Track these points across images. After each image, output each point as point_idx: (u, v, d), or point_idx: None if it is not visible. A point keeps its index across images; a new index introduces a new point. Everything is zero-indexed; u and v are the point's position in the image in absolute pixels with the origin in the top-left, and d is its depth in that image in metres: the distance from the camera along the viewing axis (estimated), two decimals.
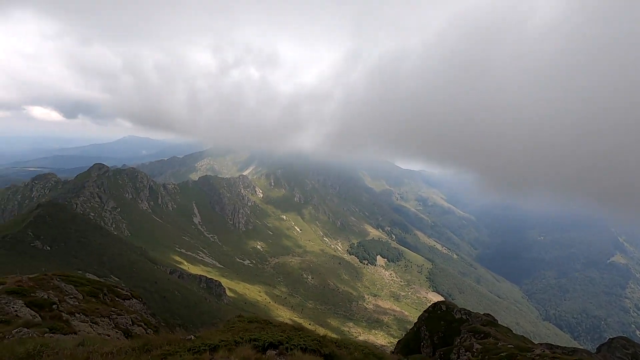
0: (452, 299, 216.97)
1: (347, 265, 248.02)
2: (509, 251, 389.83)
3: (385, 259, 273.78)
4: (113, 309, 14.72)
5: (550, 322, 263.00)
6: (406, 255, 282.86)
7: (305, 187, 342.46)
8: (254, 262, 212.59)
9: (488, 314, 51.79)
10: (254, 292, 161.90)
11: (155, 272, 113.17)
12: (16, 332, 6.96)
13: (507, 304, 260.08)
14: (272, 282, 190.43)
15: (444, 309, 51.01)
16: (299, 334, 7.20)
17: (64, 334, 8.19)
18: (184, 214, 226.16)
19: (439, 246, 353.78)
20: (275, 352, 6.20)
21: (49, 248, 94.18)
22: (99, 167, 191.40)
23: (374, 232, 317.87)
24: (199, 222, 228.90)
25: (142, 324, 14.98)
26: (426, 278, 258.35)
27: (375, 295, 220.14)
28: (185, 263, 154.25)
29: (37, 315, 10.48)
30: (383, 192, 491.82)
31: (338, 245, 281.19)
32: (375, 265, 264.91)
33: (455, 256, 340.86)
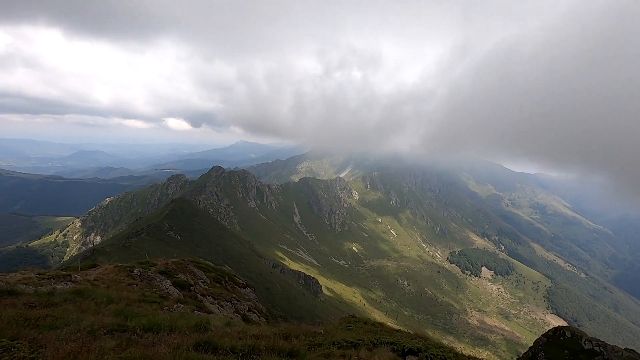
0: (579, 325, 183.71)
1: (448, 275, 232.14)
2: None
3: (492, 272, 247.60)
4: (233, 295, 16.71)
5: None
6: (518, 269, 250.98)
7: (401, 190, 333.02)
8: (349, 263, 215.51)
9: (631, 350, 42.21)
10: (349, 293, 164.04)
11: (260, 265, 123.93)
12: (176, 306, 8.54)
13: None
14: (367, 285, 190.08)
15: (569, 335, 43.35)
16: (434, 344, 7.01)
17: (207, 313, 9.68)
18: (285, 213, 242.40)
19: (560, 262, 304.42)
20: (415, 359, 6.15)
21: (179, 237, 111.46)
22: (217, 169, 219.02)
23: (478, 241, 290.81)
24: (298, 221, 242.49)
25: (256, 311, 16.64)
26: (543, 297, 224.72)
27: (480, 311, 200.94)
28: (287, 259, 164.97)
29: (180, 293, 12.63)
30: (490, 197, 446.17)
31: (437, 252, 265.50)
32: (479, 277, 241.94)
33: (583, 275, 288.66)
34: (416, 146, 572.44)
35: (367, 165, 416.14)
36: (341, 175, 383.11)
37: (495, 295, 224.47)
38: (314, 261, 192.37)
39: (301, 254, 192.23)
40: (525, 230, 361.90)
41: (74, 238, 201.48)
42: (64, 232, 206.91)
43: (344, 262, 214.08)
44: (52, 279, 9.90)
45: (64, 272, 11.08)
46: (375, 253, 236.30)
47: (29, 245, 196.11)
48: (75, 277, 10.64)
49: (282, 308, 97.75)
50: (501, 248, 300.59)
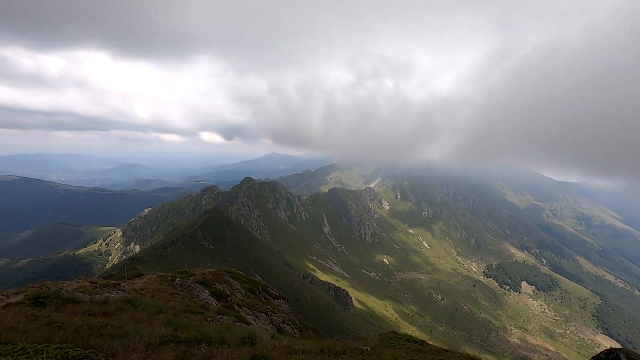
0: (634, 348, 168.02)
1: (484, 289, 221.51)
2: None
3: (534, 287, 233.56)
4: (267, 306, 16.90)
5: None
6: (562, 284, 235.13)
7: (433, 200, 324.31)
8: (379, 275, 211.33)
9: None
10: (380, 306, 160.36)
11: (290, 276, 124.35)
12: (219, 317, 8.81)
13: None
14: (399, 298, 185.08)
15: (624, 359, 39.92)
16: None
17: (247, 324, 9.88)
18: (315, 224, 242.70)
19: (610, 277, 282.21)
20: None
21: (212, 247, 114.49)
22: (248, 180, 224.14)
23: (517, 254, 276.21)
24: (328, 232, 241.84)
25: (290, 323, 16.70)
26: (592, 316, 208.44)
27: (521, 328, 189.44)
28: (317, 270, 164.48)
29: (218, 304, 12.97)
30: (528, 207, 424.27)
31: (472, 265, 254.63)
32: (519, 293, 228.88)
33: (637, 292, 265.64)
34: (448, 155, 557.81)
35: (397, 175, 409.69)
36: (370, 186, 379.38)
37: (537, 312, 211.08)
38: (344, 272, 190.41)
39: (331, 265, 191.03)
40: (570, 243, 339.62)
41: (116, 247, 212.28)
42: (106, 241, 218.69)
43: (375, 274, 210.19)
44: (103, 288, 10.55)
45: (114, 281, 11.81)
46: (407, 265, 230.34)
47: (75, 253, 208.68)
48: (124, 286, 11.29)
49: (312, 319, 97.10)
50: (543, 262, 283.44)
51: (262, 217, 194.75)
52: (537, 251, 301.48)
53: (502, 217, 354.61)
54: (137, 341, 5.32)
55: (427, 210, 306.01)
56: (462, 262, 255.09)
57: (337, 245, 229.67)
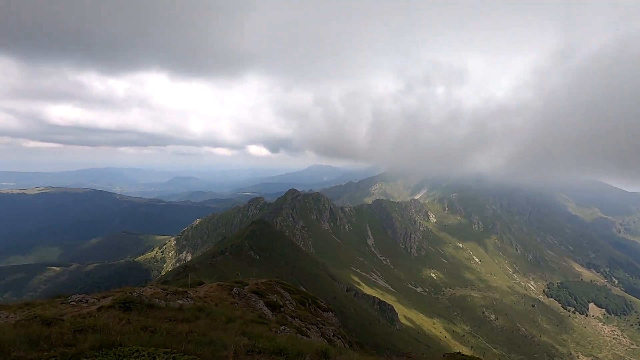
0: None
1: (545, 310, 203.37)
2: None
3: (604, 310, 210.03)
4: (318, 318, 17.08)
5: None
6: (639, 308, 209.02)
7: (484, 213, 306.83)
8: (427, 290, 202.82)
9: None
10: (428, 324, 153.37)
11: (334, 288, 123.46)
12: (282, 329, 9.21)
13: None
14: (449, 316, 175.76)
15: None
16: None
17: (307, 337, 10.17)
18: (358, 236, 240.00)
19: None
20: None
21: (258, 257, 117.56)
22: (292, 192, 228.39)
23: (583, 272, 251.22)
24: (372, 244, 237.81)
25: (340, 337, 16.69)
26: None
27: (590, 356, 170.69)
28: (361, 283, 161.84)
29: (273, 314, 13.43)
30: (596, 221, 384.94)
31: (530, 283, 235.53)
32: (586, 315, 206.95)
33: None
34: (500, 165, 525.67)
35: (444, 186, 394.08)
36: (416, 197, 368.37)
37: (609, 339, 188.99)
38: (389, 286, 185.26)
39: (375, 279, 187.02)
40: None
41: (170, 254, 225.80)
42: (162, 249, 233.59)
43: (422, 290, 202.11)
44: (174, 294, 11.49)
45: (181, 289, 12.81)
46: (457, 281, 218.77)
47: (135, 260, 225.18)
48: (190, 294, 12.18)
49: (357, 333, 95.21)
50: (614, 282, 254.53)
51: (306, 228, 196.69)
52: (607, 270, 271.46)
53: (564, 231, 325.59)
54: (226, 350, 5.42)
55: (478, 223, 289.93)
56: (518, 279, 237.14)
57: (382, 258, 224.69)
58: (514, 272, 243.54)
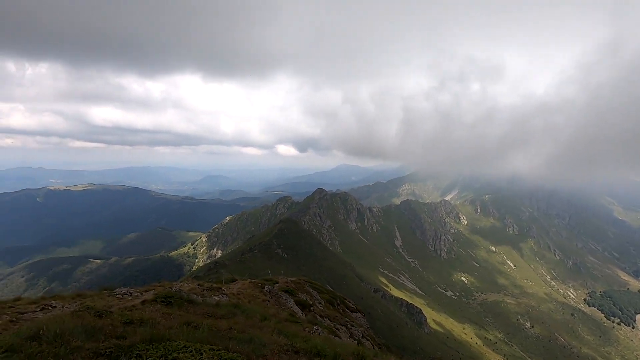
0: None
1: (587, 320, 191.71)
2: None
3: None
4: (347, 319, 17.11)
5: None
6: None
7: (520, 215, 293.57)
8: (457, 294, 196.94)
9: None
10: (459, 329, 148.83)
11: (361, 288, 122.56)
12: (315, 329, 9.38)
13: None
14: (480, 322, 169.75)
15: None
16: None
17: (338, 337, 10.27)
18: (386, 236, 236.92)
19: None
20: None
21: (285, 255, 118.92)
22: (320, 191, 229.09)
23: (631, 282, 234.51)
24: (400, 245, 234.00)
25: (369, 338, 16.62)
26: None
27: None
28: (388, 284, 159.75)
29: (303, 313, 13.62)
30: None
31: (570, 291, 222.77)
32: (633, 328, 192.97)
33: None
34: (537, 165, 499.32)
35: (476, 187, 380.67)
36: (446, 199, 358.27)
37: None
38: (417, 289, 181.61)
39: (403, 280, 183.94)
40: None
41: (201, 251, 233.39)
42: (194, 245, 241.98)
43: (451, 293, 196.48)
44: (209, 290, 11.97)
45: (216, 285, 13.32)
46: (489, 286, 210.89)
47: (169, 255, 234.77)
48: (224, 290, 12.62)
49: (384, 336, 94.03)
50: None
51: (333, 228, 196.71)
52: None
53: (608, 237, 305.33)
54: (265, 349, 5.46)
55: (513, 226, 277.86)
56: (556, 286, 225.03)
57: (410, 260, 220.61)
58: (552, 279, 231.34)
